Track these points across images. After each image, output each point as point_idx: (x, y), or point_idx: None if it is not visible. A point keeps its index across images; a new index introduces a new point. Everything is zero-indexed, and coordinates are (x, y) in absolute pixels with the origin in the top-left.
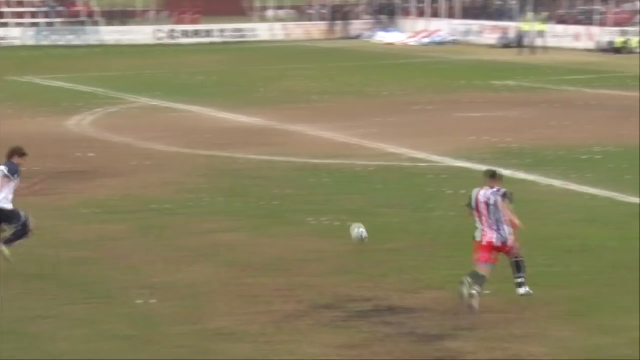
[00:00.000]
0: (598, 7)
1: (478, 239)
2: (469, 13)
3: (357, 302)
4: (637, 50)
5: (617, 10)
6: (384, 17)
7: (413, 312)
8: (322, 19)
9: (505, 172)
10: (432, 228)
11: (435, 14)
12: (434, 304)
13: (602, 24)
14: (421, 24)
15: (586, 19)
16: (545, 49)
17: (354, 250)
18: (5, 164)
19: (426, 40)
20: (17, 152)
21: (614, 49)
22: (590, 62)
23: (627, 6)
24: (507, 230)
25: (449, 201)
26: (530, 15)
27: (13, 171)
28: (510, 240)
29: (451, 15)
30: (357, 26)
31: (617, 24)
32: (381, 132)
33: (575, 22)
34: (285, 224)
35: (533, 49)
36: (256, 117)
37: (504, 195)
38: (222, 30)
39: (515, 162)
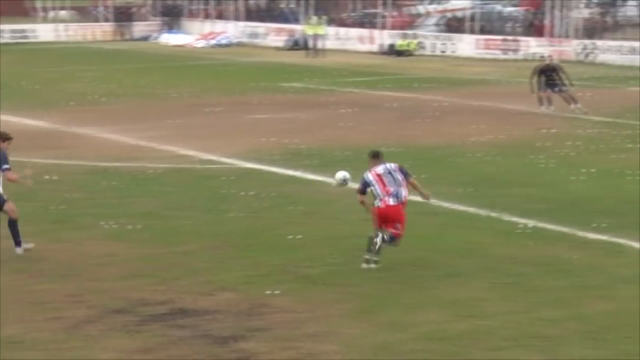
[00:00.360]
0: (380, 10)
1: (378, 205)
2: (255, 15)
3: (150, 305)
4: (417, 53)
5: (398, 14)
6: (169, 19)
7: (206, 314)
8: (107, 20)
9: (295, 173)
10: (224, 229)
11: (221, 16)
12: (227, 306)
13: (384, 27)
14: (207, 26)
15: (369, 22)
16: (324, 51)
17: (146, 253)
18: None
19: (213, 42)
20: (2, 137)
21: (396, 52)
22: (374, 64)
23: (407, 10)
24: (403, 193)
25: (241, 202)
26: (314, 18)
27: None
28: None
29: (237, 17)
30: (143, 27)
31: (399, 27)
32: (171, 134)
33: (359, 25)
34: (75, 229)
35: (318, 51)
36: (41, 120)
37: (407, 174)
38: (0, 31)
39: (305, 162)
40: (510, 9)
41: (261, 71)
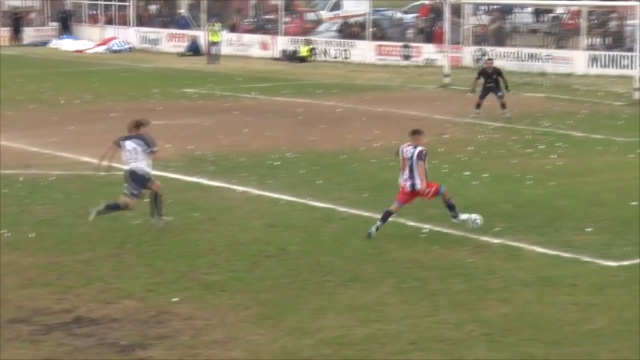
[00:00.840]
0: (280, 16)
1: (400, 184)
2: (154, 21)
3: (52, 314)
4: (317, 59)
5: (298, 20)
6: (68, 24)
7: (109, 322)
8: (3, 25)
9: (198, 179)
10: (126, 236)
11: (120, 22)
12: (129, 313)
13: (285, 33)
14: (107, 32)
15: (270, 29)
16: (219, 57)
17: (46, 262)
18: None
19: (113, 48)
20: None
21: (296, 58)
22: (275, 70)
23: (307, 16)
24: (418, 180)
25: (143, 209)
26: (217, 25)
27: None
28: (422, 186)
29: (137, 22)
30: (41, 33)
31: (299, 33)
32: (72, 140)
33: (260, 31)
34: None
35: (218, 57)
36: None
37: (419, 156)
38: None
39: (212, 168)
40: (408, 15)
41: (162, 77)
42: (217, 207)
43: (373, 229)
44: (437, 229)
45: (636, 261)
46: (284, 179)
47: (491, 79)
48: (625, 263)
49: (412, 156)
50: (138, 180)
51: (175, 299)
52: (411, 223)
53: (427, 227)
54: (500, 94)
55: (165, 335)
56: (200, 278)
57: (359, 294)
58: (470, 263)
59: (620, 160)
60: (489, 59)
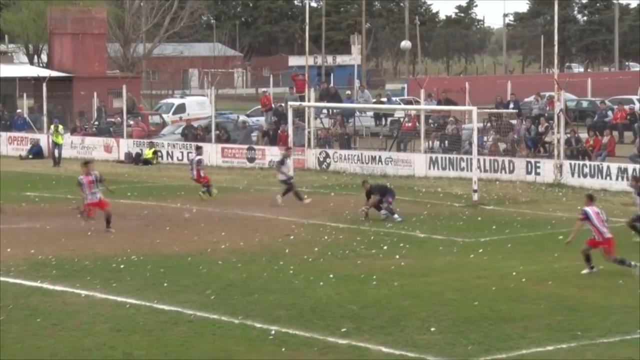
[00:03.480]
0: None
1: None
2: None
3: None
4: (162, 162)
5: (144, 123)
6: None
7: None
8: None
9: (41, 284)
10: None
11: None
12: None
13: (129, 136)
14: None
15: (114, 131)
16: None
17: None
18: None
19: None
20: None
21: (143, 160)
22: (120, 172)
23: (154, 119)
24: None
25: None
26: (60, 127)
27: None
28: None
29: None
30: None
31: (143, 136)
32: None
33: (104, 134)
34: None
35: (58, 160)
36: None
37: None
38: None
39: (55, 273)
40: (252, 118)
41: (4, 180)
42: (60, 311)
43: None
44: (285, 330)
45: None
46: (129, 282)
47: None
48: None
49: None
50: None
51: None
52: (259, 325)
53: (274, 328)
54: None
55: None
56: None
57: None
58: None
59: (461, 260)
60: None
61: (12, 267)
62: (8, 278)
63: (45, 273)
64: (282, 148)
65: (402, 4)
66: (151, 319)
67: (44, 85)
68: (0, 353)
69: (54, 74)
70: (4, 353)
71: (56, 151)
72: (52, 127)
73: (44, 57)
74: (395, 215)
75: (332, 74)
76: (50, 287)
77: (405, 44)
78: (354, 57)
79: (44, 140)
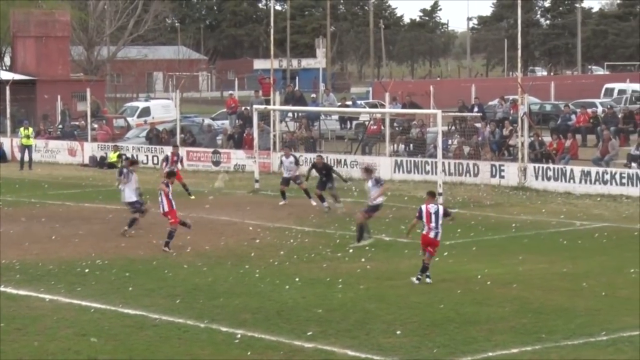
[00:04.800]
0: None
1: (424, 232)
2: None
3: None
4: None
5: (109, 126)
6: None
7: None
8: None
9: (4, 289)
10: None
11: None
12: None
13: (94, 139)
14: None
15: (80, 134)
16: (32, 163)
17: None
18: None
19: None
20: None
21: (107, 164)
22: (85, 176)
23: (118, 122)
24: (440, 230)
25: None
26: (30, 130)
27: None
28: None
29: None
30: None
31: (109, 139)
32: None
33: (69, 137)
34: None
35: (29, 163)
36: None
37: (446, 214)
38: None
39: (19, 277)
40: (217, 122)
41: None
42: (24, 316)
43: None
44: (250, 334)
45: None
46: (94, 286)
47: (321, 174)
48: None
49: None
50: None
51: None
52: (224, 329)
53: (240, 332)
54: (329, 186)
55: None
56: None
57: None
58: None
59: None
60: (319, 156)
61: None
62: None
63: (9, 277)
64: (247, 152)
65: (366, 8)
66: (116, 323)
67: (7, 88)
68: None
69: (17, 77)
70: None
71: (26, 154)
72: (21, 129)
73: (7, 60)
74: (339, 204)
75: (297, 78)
76: (14, 291)
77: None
78: (319, 61)
79: (7, 143)
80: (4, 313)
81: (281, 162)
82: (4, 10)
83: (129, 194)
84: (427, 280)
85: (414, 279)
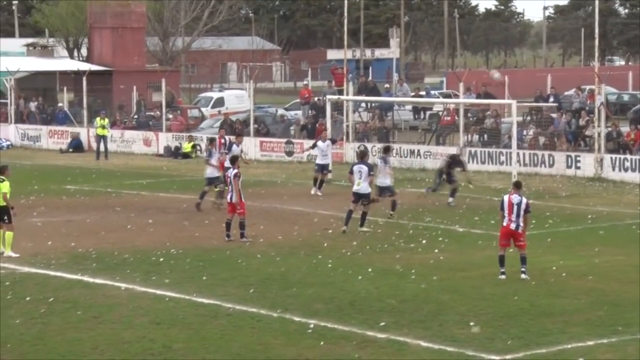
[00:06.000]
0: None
1: (504, 224)
2: (35, 117)
3: None
4: (201, 155)
5: (183, 117)
6: None
7: None
8: None
9: (81, 277)
10: (12, 335)
11: (2, 119)
12: None
13: (168, 129)
14: None
15: (153, 125)
16: (107, 153)
17: None
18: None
19: None
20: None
21: (182, 154)
22: (160, 166)
23: (193, 113)
24: (521, 223)
25: (24, 308)
26: (106, 120)
27: None
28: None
29: (17, 119)
30: None
31: (182, 129)
32: None
33: (143, 127)
34: None
35: (105, 153)
36: None
37: (527, 210)
38: None
39: (95, 266)
40: (290, 112)
41: (45, 174)
42: (100, 304)
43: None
44: (323, 324)
45: (519, 355)
46: (169, 275)
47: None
48: (508, 357)
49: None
50: None
51: None
52: (297, 319)
53: (313, 322)
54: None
55: None
56: None
57: None
58: (357, 358)
59: (498, 255)
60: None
61: (53, 260)
62: (49, 271)
63: (86, 266)
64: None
65: None
66: (190, 312)
67: (84, 79)
68: (42, 345)
69: (94, 67)
70: (45, 345)
71: (102, 144)
72: (97, 119)
73: (84, 51)
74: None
75: (370, 68)
76: (91, 280)
77: (495, 74)
78: (392, 51)
79: (84, 133)
80: (81, 301)
81: (316, 146)
82: (81, 2)
83: (211, 170)
84: (522, 276)
85: (522, 275)
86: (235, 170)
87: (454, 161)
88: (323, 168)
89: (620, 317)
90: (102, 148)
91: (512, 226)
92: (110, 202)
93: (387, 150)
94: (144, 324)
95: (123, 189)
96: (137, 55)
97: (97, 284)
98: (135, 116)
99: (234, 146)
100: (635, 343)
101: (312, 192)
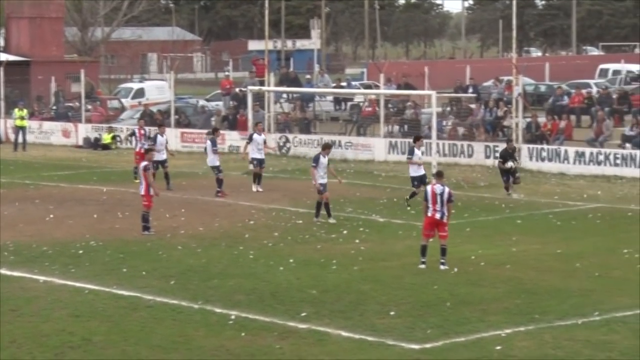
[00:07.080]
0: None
1: (429, 214)
2: None
3: None
4: (121, 147)
5: (103, 108)
6: None
7: None
8: None
9: (1, 270)
10: None
11: None
12: None
13: (88, 121)
14: None
15: (74, 116)
16: (26, 145)
17: None
18: None
19: None
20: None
21: (102, 145)
22: (79, 157)
23: (112, 104)
24: (445, 212)
25: None
26: (25, 111)
27: None
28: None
29: None
30: None
31: (103, 121)
32: None
33: (62, 119)
34: None
35: (23, 145)
36: None
37: (449, 199)
38: None
39: (13, 259)
40: (212, 103)
41: None
42: (18, 297)
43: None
44: (244, 315)
45: (438, 343)
46: (88, 267)
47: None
48: (428, 346)
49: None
50: None
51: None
52: (218, 310)
53: (234, 313)
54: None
55: None
56: None
57: None
58: (278, 349)
59: (420, 245)
60: (509, 140)
61: None
62: None
63: (3, 259)
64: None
65: None
66: (110, 304)
67: (1, 69)
68: None
69: (11, 58)
70: None
71: (20, 135)
72: (16, 110)
73: (1, 41)
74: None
75: (291, 59)
76: (8, 272)
77: None
78: (313, 42)
79: (1, 125)
80: (5, 294)
81: (252, 139)
82: None
83: (212, 159)
84: (442, 267)
85: (442, 266)
86: (145, 163)
87: (508, 154)
88: (261, 162)
89: (537, 305)
90: (20, 139)
91: (437, 215)
92: (29, 194)
93: (326, 148)
94: (63, 317)
95: (42, 181)
96: (55, 46)
97: (15, 277)
98: (54, 107)
99: (159, 137)
100: (551, 330)
101: (254, 189)
